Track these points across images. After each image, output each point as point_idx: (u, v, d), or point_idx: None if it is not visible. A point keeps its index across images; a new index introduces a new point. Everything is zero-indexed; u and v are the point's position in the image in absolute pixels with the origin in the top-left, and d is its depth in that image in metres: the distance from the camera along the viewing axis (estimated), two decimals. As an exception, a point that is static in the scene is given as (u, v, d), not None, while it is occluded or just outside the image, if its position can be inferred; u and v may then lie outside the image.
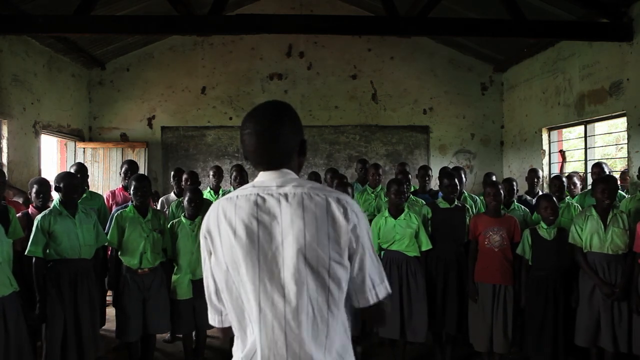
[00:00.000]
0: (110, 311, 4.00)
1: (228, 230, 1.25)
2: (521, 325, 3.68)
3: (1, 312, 2.76)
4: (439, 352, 3.96)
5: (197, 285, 3.55)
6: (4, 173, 3.51)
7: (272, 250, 1.22)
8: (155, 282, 3.53)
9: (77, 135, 7.04)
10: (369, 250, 1.28)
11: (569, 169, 6.36)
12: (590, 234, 3.42)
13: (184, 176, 4.71)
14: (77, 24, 4.52)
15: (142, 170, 6.62)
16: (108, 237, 3.54)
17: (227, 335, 1.39)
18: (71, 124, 6.83)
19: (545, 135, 6.55)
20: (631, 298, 3.26)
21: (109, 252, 3.75)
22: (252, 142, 1.29)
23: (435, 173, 5.17)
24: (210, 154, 7.46)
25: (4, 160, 5.22)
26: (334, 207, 1.23)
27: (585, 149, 5.82)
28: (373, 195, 4.74)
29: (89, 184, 5.04)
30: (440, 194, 4.19)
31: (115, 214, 3.64)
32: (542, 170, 6.33)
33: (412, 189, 4.78)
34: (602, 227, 3.40)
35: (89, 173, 4.90)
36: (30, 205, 3.69)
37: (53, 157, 6.99)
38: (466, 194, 4.61)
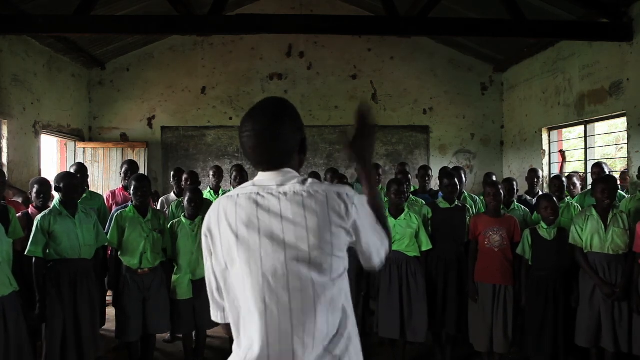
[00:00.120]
0: (110, 311, 3.99)
1: (228, 228, 1.25)
2: (521, 325, 3.68)
3: (1, 312, 2.75)
4: (439, 352, 3.96)
5: (197, 285, 3.56)
6: (4, 173, 3.51)
7: (273, 248, 1.22)
8: (155, 282, 3.53)
9: (77, 135, 7.04)
10: (371, 229, 1.31)
11: (569, 169, 6.36)
12: (591, 234, 3.42)
13: (184, 176, 4.71)
14: (77, 24, 4.53)
15: (142, 170, 6.61)
16: (108, 237, 3.54)
17: (230, 331, 1.39)
18: (71, 124, 6.83)
19: (545, 135, 6.54)
20: (631, 298, 3.26)
21: (109, 252, 3.75)
22: (251, 141, 1.28)
23: (435, 173, 5.17)
24: (210, 154, 7.45)
25: (4, 160, 5.22)
26: (334, 203, 1.24)
27: (585, 149, 5.82)
28: (373, 195, 4.72)
29: (89, 184, 5.04)
30: (440, 194, 4.19)
31: (115, 214, 3.63)
32: (542, 170, 6.32)
33: (412, 189, 4.78)
34: (603, 227, 3.40)
35: (89, 173, 4.90)
36: (31, 205, 3.68)
37: (53, 157, 6.99)
38: (466, 194, 4.61)
